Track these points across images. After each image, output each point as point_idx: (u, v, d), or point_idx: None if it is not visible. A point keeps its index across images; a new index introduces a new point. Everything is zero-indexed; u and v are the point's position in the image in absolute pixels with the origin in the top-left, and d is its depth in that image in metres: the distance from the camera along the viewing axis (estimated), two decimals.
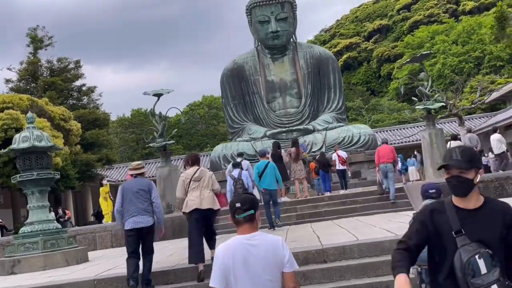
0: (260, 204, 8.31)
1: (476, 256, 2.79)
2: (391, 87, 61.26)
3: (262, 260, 3.40)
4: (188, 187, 8.05)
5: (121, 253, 12.26)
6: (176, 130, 30.15)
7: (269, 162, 13.47)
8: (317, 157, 20.48)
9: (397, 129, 44.52)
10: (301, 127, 26.80)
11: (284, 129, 26.70)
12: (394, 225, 10.08)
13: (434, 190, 5.28)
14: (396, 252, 3.04)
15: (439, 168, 3.19)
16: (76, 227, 21.17)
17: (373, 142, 25.97)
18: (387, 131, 44.80)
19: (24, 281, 8.63)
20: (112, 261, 10.40)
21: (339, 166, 19.02)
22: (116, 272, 8.28)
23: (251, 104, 28.32)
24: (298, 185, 17.13)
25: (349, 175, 22.07)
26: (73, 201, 38.47)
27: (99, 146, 35.79)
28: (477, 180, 2.95)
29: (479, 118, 44.40)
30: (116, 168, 44.82)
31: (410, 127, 43.66)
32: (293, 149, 17.27)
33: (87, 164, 32.09)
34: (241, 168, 13.67)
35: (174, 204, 18.02)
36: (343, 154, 19.55)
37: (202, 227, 8.04)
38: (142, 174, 8.15)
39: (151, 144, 19.14)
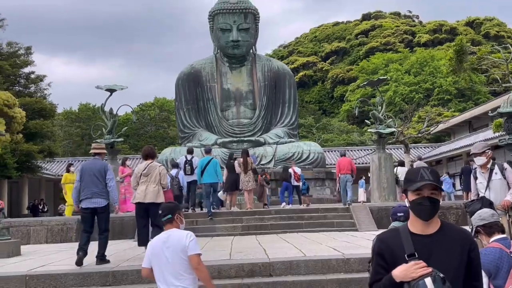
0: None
1: (426, 279, 2.64)
2: (343, 108, 62.37)
3: (171, 246, 4.62)
4: (139, 181, 9.03)
5: (56, 249, 11.73)
6: (126, 128, 29.42)
7: (212, 158, 15.63)
8: (280, 172, 20.38)
9: (345, 151, 45.22)
10: (252, 138, 26.71)
11: (235, 139, 26.53)
12: (340, 244, 10.08)
13: (402, 214, 5.32)
14: None
15: (412, 190, 3.06)
16: (9, 218, 20.13)
17: (322, 160, 26.21)
18: (335, 151, 45.46)
19: None
20: (47, 257, 9.88)
21: (293, 182, 19.17)
22: (50, 269, 7.85)
23: (204, 110, 28.04)
24: (247, 195, 16.97)
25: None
26: (8, 192, 36.79)
27: (42, 137, 34.38)
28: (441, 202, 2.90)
29: (424, 147, 45.82)
30: (57, 161, 43.30)
31: (358, 150, 44.48)
32: (240, 159, 17.11)
33: (28, 154, 30.74)
34: (179, 168, 15.66)
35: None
36: (298, 170, 19.70)
37: (145, 217, 9.21)
38: (101, 154, 8.96)
39: (98, 140, 18.53)
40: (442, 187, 3.58)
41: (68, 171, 18.12)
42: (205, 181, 15.25)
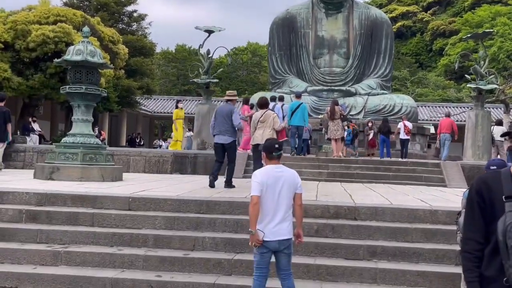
0: None
1: None
2: (441, 63, 59.39)
3: (286, 181, 5.12)
4: (257, 126, 10.47)
5: (154, 178, 12.60)
6: (221, 69, 29.99)
7: (301, 103, 16.62)
8: (379, 124, 20.65)
9: (439, 107, 43.58)
10: (343, 88, 26.33)
11: (326, 88, 26.31)
12: (427, 196, 10.03)
13: (495, 167, 5.25)
14: (466, 257, 2.95)
15: (504, 135, 3.10)
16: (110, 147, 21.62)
17: (414, 115, 25.47)
18: (429, 106, 43.92)
19: (63, 187, 8.94)
20: (146, 183, 10.68)
21: (403, 136, 19.44)
22: (150, 194, 8.50)
23: (296, 57, 27.87)
24: (334, 144, 17.06)
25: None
26: (108, 124, 39.26)
27: (141, 75, 35.96)
28: None
29: None
30: (154, 99, 45.30)
31: (453, 107, 42.66)
32: (328, 108, 17.20)
33: (128, 90, 32.41)
34: (276, 103, 16.99)
35: (208, 141, 18.24)
36: (409, 124, 19.92)
37: (259, 157, 10.17)
38: (232, 101, 10.57)
39: (195, 80, 19.20)
40: None
41: (177, 107, 18.97)
42: (293, 124, 16.30)
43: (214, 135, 10.39)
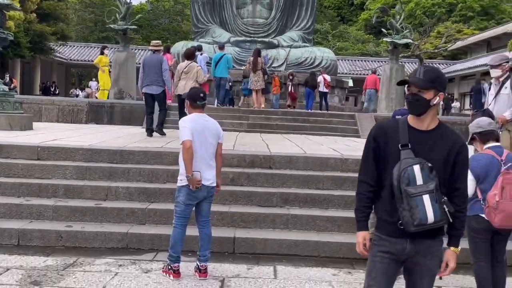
0: None
1: (414, 166, 2.82)
2: (362, 17, 60.53)
3: (211, 130, 5.26)
4: (180, 76, 10.51)
5: (67, 128, 12.13)
6: (140, 16, 28.89)
7: (224, 54, 16.67)
8: (307, 77, 21.14)
9: (359, 60, 44.72)
10: (266, 39, 26.27)
11: (249, 39, 26.14)
12: (341, 146, 10.37)
13: (400, 116, 5.44)
14: (358, 198, 3.15)
15: (400, 84, 3.21)
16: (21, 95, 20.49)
17: (334, 68, 25.91)
18: (349, 60, 44.94)
19: None
20: (58, 133, 10.26)
21: (323, 89, 20.18)
22: (61, 143, 8.18)
23: (219, 6, 27.34)
24: (255, 95, 17.12)
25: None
26: (20, 71, 37.06)
27: (55, 19, 33.94)
28: (435, 102, 2.96)
29: (439, 64, 45.10)
30: (70, 46, 43.12)
31: (372, 61, 43.91)
32: (251, 59, 17.17)
33: (41, 35, 30.59)
34: (199, 54, 16.31)
35: (126, 91, 17.73)
36: (328, 78, 20.49)
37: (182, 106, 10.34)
38: (159, 51, 10.68)
39: (112, 26, 18.39)
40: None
41: (102, 53, 18.04)
42: (216, 75, 16.53)
43: (143, 87, 10.31)
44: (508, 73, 7.16)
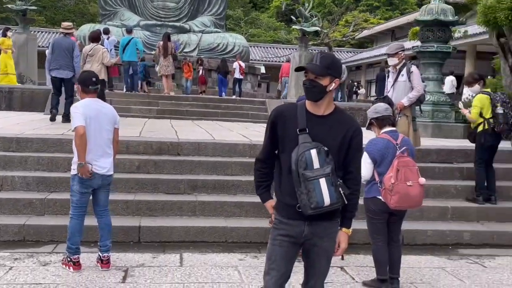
0: None
1: (312, 150, 2.87)
2: (273, 4, 61.19)
3: (107, 115, 5.04)
4: (86, 60, 10.27)
5: None
6: None
7: (132, 37, 16.20)
8: (219, 63, 21.29)
9: (271, 47, 45.22)
10: (177, 24, 25.84)
11: (159, 23, 25.58)
12: (251, 132, 10.44)
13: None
14: (256, 173, 3.30)
15: (297, 70, 3.24)
16: None
17: (246, 54, 26.02)
18: (261, 47, 45.31)
19: None
20: None
21: (238, 75, 20.38)
22: None
23: None
24: (165, 80, 16.80)
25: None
26: None
27: None
28: (331, 88, 3.00)
29: (347, 52, 46.69)
30: None
31: (283, 48, 44.56)
32: (161, 43, 16.82)
33: None
34: (106, 38, 16.01)
35: (26, 75, 16.77)
36: (243, 64, 20.79)
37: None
38: (70, 34, 10.22)
39: (9, 5, 17.26)
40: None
41: (5, 35, 16.78)
42: (125, 59, 15.86)
43: (51, 70, 9.86)
44: (404, 61, 7.47)
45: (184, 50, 24.14)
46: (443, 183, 7.69)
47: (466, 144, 8.47)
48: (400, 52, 7.43)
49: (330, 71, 3.00)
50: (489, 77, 17.06)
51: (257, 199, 6.74)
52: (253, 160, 7.49)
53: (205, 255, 5.74)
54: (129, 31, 17.03)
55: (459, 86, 21.53)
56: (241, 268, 5.35)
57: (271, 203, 3.27)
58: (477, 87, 7.52)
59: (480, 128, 7.31)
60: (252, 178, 7.13)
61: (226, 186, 7.12)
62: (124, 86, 16.71)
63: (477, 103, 7.28)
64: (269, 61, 40.50)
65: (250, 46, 34.24)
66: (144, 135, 8.71)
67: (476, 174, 7.45)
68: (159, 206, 6.59)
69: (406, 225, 5.86)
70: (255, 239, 6.22)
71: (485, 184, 7.39)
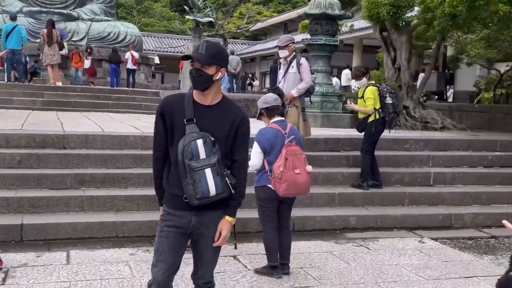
0: None
1: (198, 141, 2.85)
2: None
3: None
4: None
5: None
6: None
7: (16, 25, 15.47)
8: (110, 53, 20.74)
9: (165, 38, 44.52)
10: (64, 11, 24.57)
11: (44, 9, 24.16)
12: (143, 124, 10.20)
13: None
14: (154, 176, 3.19)
15: (183, 59, 3.19)
16: None
17: (139, 44, 25.42)
18: (155, 37, 44.49)
19: None
20: None
21: (130, 66, 19.88)
22: None
23: None
24: (51, 70, 15.93)
25: None
26: None
27: None
28: (217, 77, 2.98)
29: (242, 43, 47.21)
30: None
31: (178, 38, 44.07)
32: (45, 31, 15.93)
33: None
34: None
35: None
36: (136, 54, 20.22)
37: None
38: None
39: None
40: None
41: None
42: (8, 47, 15.24)
43: None
44: (294, 53, 7.65)
45: (72, 39, 23.06)
46: (330, 171, 8.00)
47: (352, 133, 8.89)
48: (290, 45, 7.58)
49: (216, 60, 2.97)
50: (374, 70, 18.04)
51: (149, 192, 6.68)
52: (145, 152, 7.45)
53: (94, 251, 5.52)
54: (13, 18, 16.23)
55: None
56: (132, 262, 5.22)
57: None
58: (364, 80, 7.89)
59: (371, 118, 7.68)
60: (144, 171, 7.08)
61: (117, 180, 6.89)
62: (6, 76, 15.61)
63: (370, 94, 7.65)
64: (163, 51, 39.92)
65: (144, 36, 33.50)
66: (27, 127, 8.19)
67: (363, 162, 7.82)
68: (43, 202, 6.23)
69: (296, 212, 6.05)
70: (147, 232, 6.08)
71: (369, 171, 7.80)
